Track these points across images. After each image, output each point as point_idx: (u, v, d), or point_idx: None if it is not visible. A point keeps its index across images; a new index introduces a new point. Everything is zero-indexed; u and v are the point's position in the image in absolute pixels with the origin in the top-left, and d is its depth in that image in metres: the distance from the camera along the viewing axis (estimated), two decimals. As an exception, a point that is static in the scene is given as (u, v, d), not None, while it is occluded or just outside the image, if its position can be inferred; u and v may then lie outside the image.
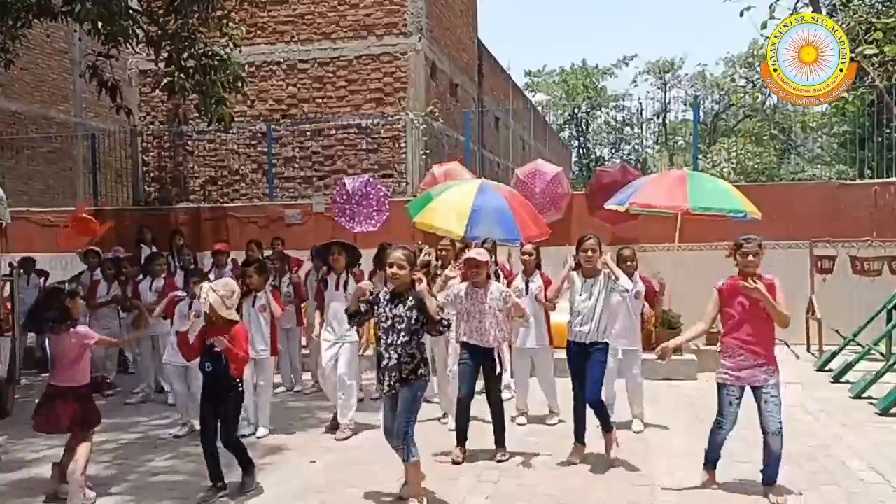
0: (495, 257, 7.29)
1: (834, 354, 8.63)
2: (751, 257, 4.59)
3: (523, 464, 5.48)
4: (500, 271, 7.16)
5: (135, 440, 6.32)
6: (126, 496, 4.97)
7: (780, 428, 4.59)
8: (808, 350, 9.51)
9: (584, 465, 5.38)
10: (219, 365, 4.86)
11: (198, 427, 6.07)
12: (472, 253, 5.54)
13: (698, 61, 70.44)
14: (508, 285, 6.84)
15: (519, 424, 6.55)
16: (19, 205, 13.70)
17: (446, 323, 4.64)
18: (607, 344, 5.45)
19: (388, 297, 4.69)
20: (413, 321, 4.56)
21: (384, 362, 4.62)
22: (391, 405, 4.66)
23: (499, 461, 5.48)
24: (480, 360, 5.54)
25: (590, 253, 5.31)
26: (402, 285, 4.63)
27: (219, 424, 4.90)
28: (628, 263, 6.23)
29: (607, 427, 5.45)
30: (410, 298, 4.59)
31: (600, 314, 5.34)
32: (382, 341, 4.63)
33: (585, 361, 5.37)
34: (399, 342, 4.57)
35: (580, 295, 5.38)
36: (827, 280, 9.96)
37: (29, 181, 16.22)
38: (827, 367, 8.52)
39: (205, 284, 5.11)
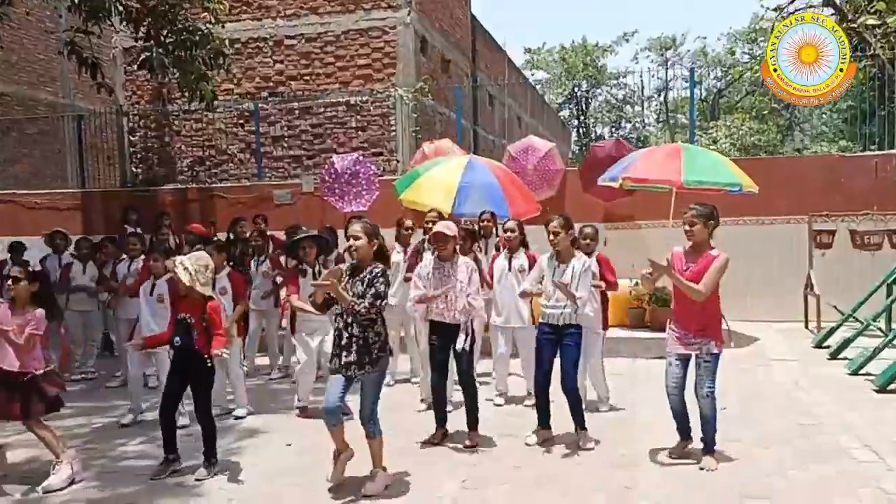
0: (496, 230, 7.03)
1: (832, 330, 8.40)
2: (551, 236, 5.07)
3: (502, 446, 5.30)
4: (499, 244, 6.92)
5: (109, 423, 6.15)
6: (91, 481, 4.79)
7: (710, 392, 4.72)
8: (807, 326, 9.30)
9: (564, 447, 5.19)
10: (189, 339, 4.75)
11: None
12: (440, 227, 5.24)
13: (699, 36, 69.25)
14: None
15: (496, 405, 6.35)
16: (6, 187, 13.54)
17: (363, 311, 4.29)
18: (580, 327, 5.19)
19: (349, 272, 4.50)
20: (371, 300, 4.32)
21: (343, 341, 4.38)
22: (343, 384, 4.40)
23: (467, 446, 5.20)
24: (450, 339, 5.22)
25: (551, 236, 5.12)
26: (363, 258, 4.43)
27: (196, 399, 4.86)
28: (588, 242, 6.04)
29: (581, 424, 5.25)
30: (366, 274, 4.38)
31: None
32: (341, 319, 4.39)
33: (555, 345, 5.16)
34: (358, 321, 4.33)
35: (553, 280, 5.11)
36: (826, 255, 9.73)
37: (16, 163, 16.00)
38: (825, 344, 8.30)
39: (176, 259, 4.88)
